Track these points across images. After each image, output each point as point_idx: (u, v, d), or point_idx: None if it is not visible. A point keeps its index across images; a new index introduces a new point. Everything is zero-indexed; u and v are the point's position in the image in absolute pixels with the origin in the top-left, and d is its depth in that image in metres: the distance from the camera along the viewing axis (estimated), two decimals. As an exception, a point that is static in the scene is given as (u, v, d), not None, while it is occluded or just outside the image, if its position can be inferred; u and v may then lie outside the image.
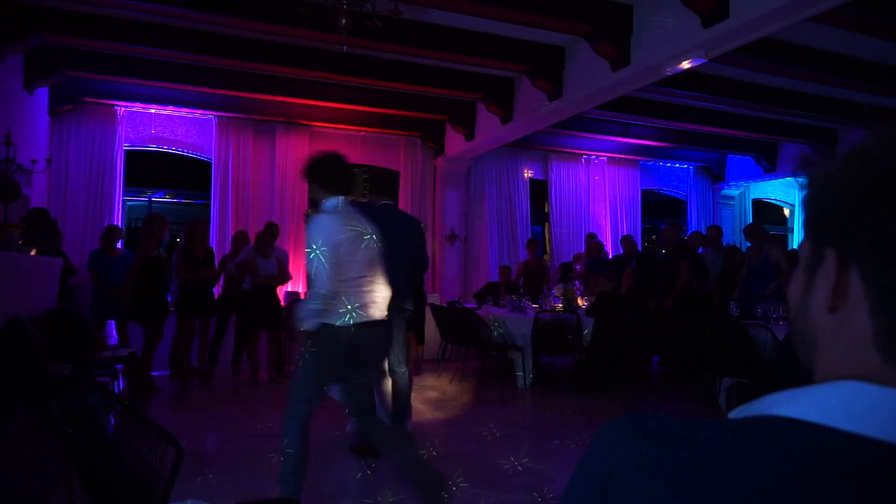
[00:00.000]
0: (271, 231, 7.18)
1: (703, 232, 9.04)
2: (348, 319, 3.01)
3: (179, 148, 8.64)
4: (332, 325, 2.99)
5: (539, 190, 10.65)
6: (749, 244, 6.90)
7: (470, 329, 6.86)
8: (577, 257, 9.57)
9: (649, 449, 0.48)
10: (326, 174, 3.18)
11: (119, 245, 7.02)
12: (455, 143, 9.10)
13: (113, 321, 6.84)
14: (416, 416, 5.09)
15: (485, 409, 5.79)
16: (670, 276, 7.02)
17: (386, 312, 3.24)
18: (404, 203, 9.54)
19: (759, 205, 12.37)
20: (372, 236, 3.18)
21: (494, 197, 10.12)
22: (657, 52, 5.26)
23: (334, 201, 3.15)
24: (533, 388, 6.72)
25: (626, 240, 8.67)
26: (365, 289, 3.10)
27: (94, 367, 5.10)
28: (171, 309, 6.74)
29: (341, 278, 2.99)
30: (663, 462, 0.47)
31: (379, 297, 3.18)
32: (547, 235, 10.71)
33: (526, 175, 10.36)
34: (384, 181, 5.05)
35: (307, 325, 2.99)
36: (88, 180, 7.91)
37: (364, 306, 3.08)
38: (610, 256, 9.66)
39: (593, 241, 9.02)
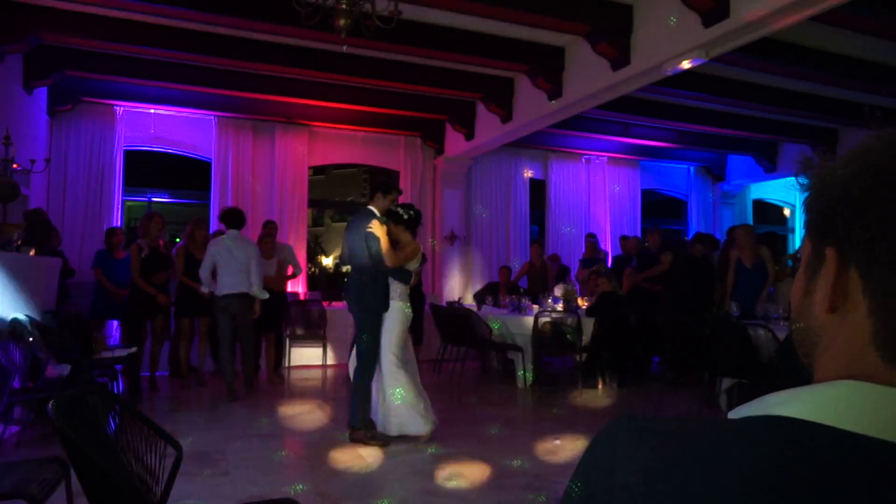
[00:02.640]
0: (269, 231, 7.19)
1: (703, 232, 9.03)
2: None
3: (179, 148, 8.63)
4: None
5: (539, 190, 10.64)
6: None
7: (470, 329, 6.86)
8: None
9: (649, 449, 0.48)
10: (223, 219, 6.36)
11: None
12: (455, 143, 9.10)
13: (115, 321, 6.85)
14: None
15: (485, 409, 5.79)
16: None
17: (241, 290, 6.07)
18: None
19: (760, 205, 12.35)
20: (234, 255, 6.08)
21: (494, 197, 10.12)
22: (657, 52, 5.26)
23: (230, 232, 6.21)
24: (533, 388, 6.72)
25: (626, 240, 8.67)
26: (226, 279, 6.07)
27: (93, 367, 5.10)
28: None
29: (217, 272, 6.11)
30: (663, 462, 0.47)
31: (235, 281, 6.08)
32: (547, 236, 10.70)
33: (526, 175, 10.36)
34: (374, 185, 5.06)
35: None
36: (88, 180, 7.90)
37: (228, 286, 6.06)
38: (609, 257, 9.66)
39: (588, 241, 9.05)
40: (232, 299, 6.06)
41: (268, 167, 8.77)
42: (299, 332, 7.81)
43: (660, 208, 12.38)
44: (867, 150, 0.49)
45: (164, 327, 6.53)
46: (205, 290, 6.13)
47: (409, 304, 4.72)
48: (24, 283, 4.92)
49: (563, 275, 8.88)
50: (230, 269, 6.07)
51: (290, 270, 7.37)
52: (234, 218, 6.26)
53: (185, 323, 6.64)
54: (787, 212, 12.78)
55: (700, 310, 6.52)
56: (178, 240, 7.72)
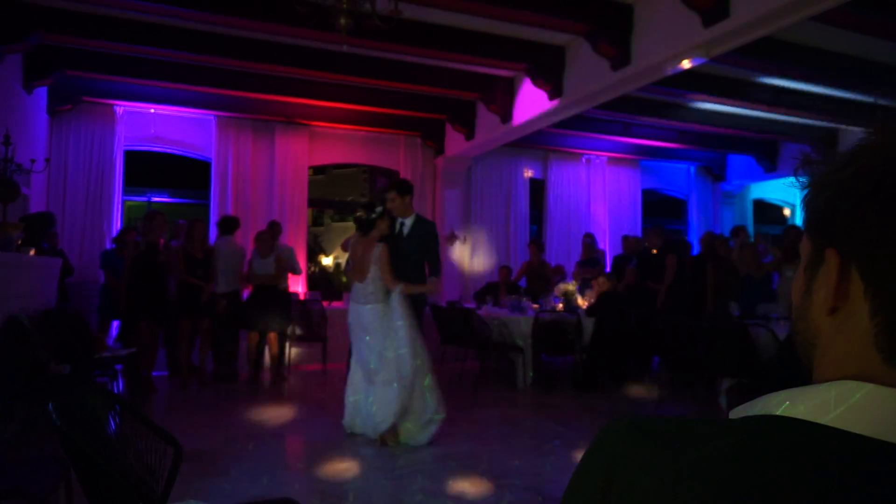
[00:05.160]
0: (271, 230, 7.20)
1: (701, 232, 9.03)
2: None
3: (179, 148, 8.63)
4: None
5: (539, 190, 10.64)
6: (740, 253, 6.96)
7: (470, 329, 6.85)
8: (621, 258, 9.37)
9: (650, 448, 0.48)
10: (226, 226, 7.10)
11: None
12: (455, 142, 9.10)
13: (118, 321, 6.81)
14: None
15: (485, 409, 5.78)
16: (662, 274, 7.22)
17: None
18: (404, 203, 9.52)
19: (760, 204, 12.35)
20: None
21: (494, 197, 10.12)
22: (657, 51, 5.26)
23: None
24: (533, 388, 6.72)
25: (627, 239, 8.66)
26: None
27: (93, 367, 5.10)
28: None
29: None
30: (663, 461, 0.47)
31: None
32: (546, 235, 10.69)
33: (526, 175, 10.36)
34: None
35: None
36: (88, 180, 7.90)
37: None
38: (609, 256, 9.65)
39: (584, 241, 9.04)
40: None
41: (268, 167, 8.77)
42: (299, 332, 7.81)
43: (660, 208, 12.37)
44: (868, 149, 0.49)
45: (157, 328, 6.46)
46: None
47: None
48: (25, 282, 4.92)
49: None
50: (228, 269, 6.92)
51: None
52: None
53: (184, 323, 6.63)
54: (787, 212, 12.78)
55: (695, 310, 6.55)
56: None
